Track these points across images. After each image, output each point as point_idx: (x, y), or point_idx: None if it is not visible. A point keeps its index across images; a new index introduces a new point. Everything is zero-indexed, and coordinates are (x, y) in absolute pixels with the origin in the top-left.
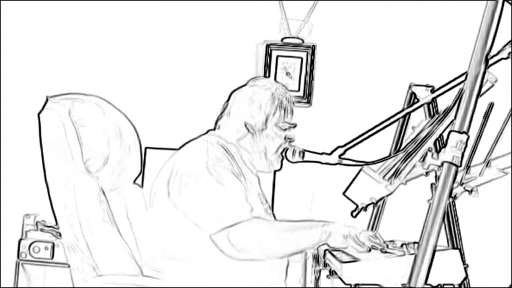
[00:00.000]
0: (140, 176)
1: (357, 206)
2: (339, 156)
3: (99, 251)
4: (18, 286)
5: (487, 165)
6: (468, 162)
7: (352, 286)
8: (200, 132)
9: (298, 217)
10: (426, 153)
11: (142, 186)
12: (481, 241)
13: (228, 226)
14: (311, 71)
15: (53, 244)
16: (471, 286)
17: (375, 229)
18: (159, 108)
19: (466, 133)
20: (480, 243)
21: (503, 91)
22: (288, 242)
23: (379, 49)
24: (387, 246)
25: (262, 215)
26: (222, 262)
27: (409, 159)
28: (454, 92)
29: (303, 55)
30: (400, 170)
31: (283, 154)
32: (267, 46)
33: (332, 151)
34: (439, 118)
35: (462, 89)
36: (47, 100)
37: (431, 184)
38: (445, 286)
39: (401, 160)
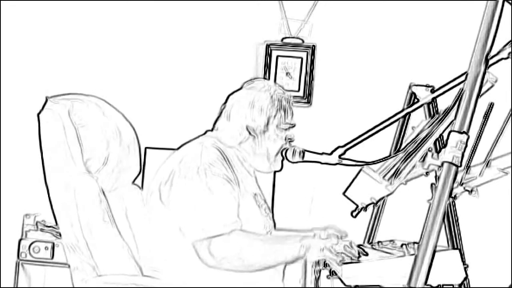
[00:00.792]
0: (140, 177)
1: (357, 206)
2: (339, 156)
3: (99, 251)
4: (18, 286)
5: (487, 165)
6: (468, 162)
7: (352, 287)
8: (199, 132)
9: (298, 217)
10: (426, 153)
11: (141, 186)
12: (481, 241)
13: (211, 237)
14: (311, 71)
15: (53, 244)
16: (471, 286)
17: (375, 229)
18: (158, 108)
19: (466, 133)
20: (480, 243)
21: (503, 91)
22: (267, 255)
23: (379, 49)
24: (359, 256)
25: (257, 216)
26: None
27: (409, 159)
28: (454, 92)
29: (303, 55)
30: (400, 170)
31: (283, 154)
32: (267, 46)
33: (332, 151)
34: (439, 118)
35: (462, 89)
36: (46, 101)
37: (431, 184)
38: (445, 286)
39: (401, 160)
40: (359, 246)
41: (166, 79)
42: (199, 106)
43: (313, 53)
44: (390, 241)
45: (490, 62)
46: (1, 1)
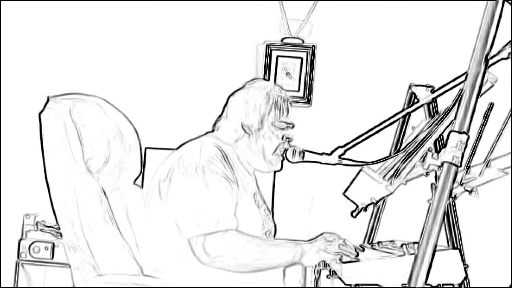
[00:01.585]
0: (140, 177)
1: (357, 206)
2: (339, 156)
3: (100, 250)
4: (18, 286)
5: (487, 165)
6: (468, 162)
7: (352, 287)
8: (200, 132)
9: (298, 217)
10: (426, 153)
11: (142, 186)
12: (481, 241)
13: (206, 234)
14: (311, 71)
15: (53, 244)
16: (471, 286)
17: (375, 230)
18: (159, 108)
19: (466, 133)
20: (480, 243)
21: (503, 91)
22: (261, 258)
23: (379, 49)
24: (357, 254)
25: (256, 216)
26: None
27: (409, 159)
28: (454, 92)
29: (303, 55)
30: (400, 170)
31: (283, 154)
32: (267, 46)
33: (332, 151)
34: (439, 118)
35: (462, 89)
36: (48, 100)
37: (431, 184)
38: (445, 286)
39: (401, 160)
40: (359, 246)
41: (166, 79)
42: (199, 106)
43: (313, 53)
44: (390, 241)
45: (490, 62)
46: (1, 1)
